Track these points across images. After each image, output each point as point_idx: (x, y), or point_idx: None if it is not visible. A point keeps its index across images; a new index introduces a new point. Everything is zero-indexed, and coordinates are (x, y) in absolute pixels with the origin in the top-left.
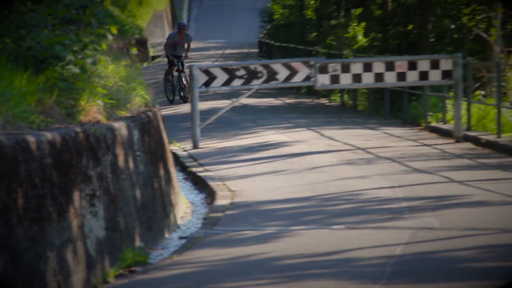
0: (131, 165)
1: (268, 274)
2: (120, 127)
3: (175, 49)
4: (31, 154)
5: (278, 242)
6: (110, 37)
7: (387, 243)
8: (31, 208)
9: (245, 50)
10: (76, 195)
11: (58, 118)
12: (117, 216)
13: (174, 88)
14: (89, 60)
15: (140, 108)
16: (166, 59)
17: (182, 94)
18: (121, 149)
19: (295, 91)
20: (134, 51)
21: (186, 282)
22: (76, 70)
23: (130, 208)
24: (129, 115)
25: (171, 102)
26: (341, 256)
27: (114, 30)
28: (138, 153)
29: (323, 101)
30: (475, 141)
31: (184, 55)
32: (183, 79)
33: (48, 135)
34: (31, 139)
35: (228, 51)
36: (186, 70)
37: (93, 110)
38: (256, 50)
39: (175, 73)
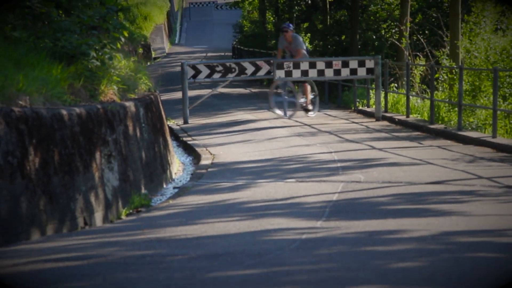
0: (138, 133)
1: (239, 213)
2: (130, 105)
3: (291, 55)
4: (64, 123)
5: (246, 190)
6: (122, 39)
7: (326, 192)
8: (64, 163)
9: (222, 53)
10: (97, 154)
11: (84, 98)
12: (127, 170)
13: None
14: (107, 56)
15: (145, 92)
16: (166, 59)
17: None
18: (131, 122)
19: (259, 83)
20: (140, 50)
21: (178, 218)
22: (98, 63)
23: (137, 165)
24: (136, 97)
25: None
26: (293, 201)
27: (125, 33)
28: (143, 125)
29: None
30: (390, 120)
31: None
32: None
33: (77, 110)
34: (64, 112)
35: (209, 54)
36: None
37: (110, 92)
38: (231, 54)
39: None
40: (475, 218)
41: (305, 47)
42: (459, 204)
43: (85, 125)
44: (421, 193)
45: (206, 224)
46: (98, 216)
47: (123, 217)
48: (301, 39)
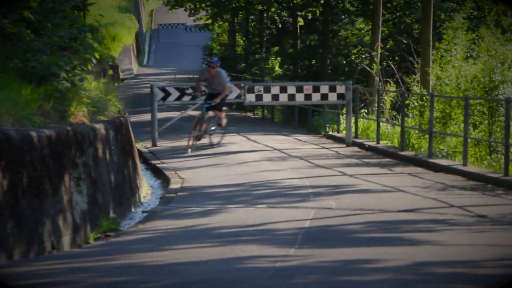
0: (108, 156)
1: (210, 239)
2: (100, 127)
3: (210, 86)
4: (33, 145)
5: (217, 216)
6: (94, 61)
7: (298, 218)
8: (33, 185)
9: (191, 76)
10: (66, 177)
11: (54, 120)
12: (96, 194)
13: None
14: (77, 77)
15: (114, 115)
16: (134, 80)
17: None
18: (101, 144)
19: (228, 106)
20: (110, 72)
21: (148, 244)
22: (68, 84)
23: (106, 188)
24: (106, 119)
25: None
26: (264, 227)
27: (97, 55)
28: (113, 147)
29: (249, 114)
30: (361, 146)
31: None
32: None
33: (46, 132)
34: (33, 134)
35: (178, 76)
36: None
37: (80, 114)
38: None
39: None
40: (449, 248)
41: (228, 80)
42: (432, 233)
43: (55, 147)
44: (394, 221)
45: (178, 250)
46: (66, 240)
47: (91, 241)
48: (225, 74)
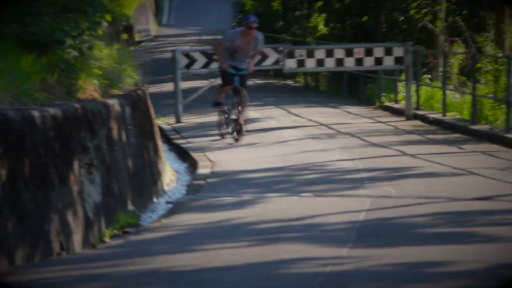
0: (124, 137)
1: (247, 237)
2: (114, 103)
3: (234, 56)
4: (36, 127)
5: (254, 207)
6: (104, 23)
7: (351, 209)
8: (37, 175)
9: (220, 37)
10: (75, 164)
11: (59, 96)
12: (111, 182)
13: (228, 117)
14: (86, 45)
15: (130, 87)
16: (152, 43)
17: (234, 128)
18: (115, 123)
19: (264, 73)
20: (124, 36)
21: (174, 243)
22: (75, 53)
23: (123, 175)
24: (121, 93)
25: (222, 137)
26: (311, 221)
27: (108, 17)
28: (129, 127)
29: (289, 82)
30: (424, 119)
31: (246, 66)
32: (239, 105)
33: (51, 111)
34: (36, 114)
35: (204, 37)
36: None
37: (90, 88)
38: None
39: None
40: None
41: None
42: None
43: (61, 129)
44: (466, 212)
45: (209, 251)
46: (77, 238)
47: (107, 239)
48: (263, 37)
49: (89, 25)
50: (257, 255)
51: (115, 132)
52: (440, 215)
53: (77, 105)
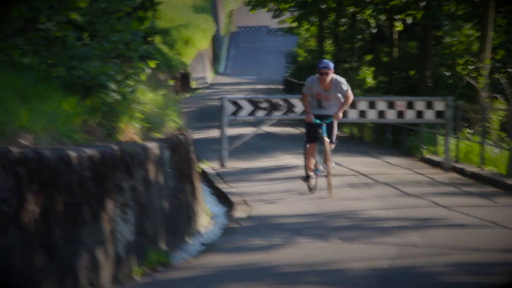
0: (161, 179)
1: (269, 278)
2: (153, 147)
3: (320, 106)
4: (71, 166)
5: (281, 251)
6: (148, 70)
7: (376, 257)
8: (69, 213)
9: (273, 86)
10: (110, 204)
11: (100, 137)
12: (145, 223)
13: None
14: (129, 89)
15: (173, 131)
16: (207, 91)
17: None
18: (153, 166)
19: None
20: (171, 82)
21: (198, 283)
22: (118, 97)
23: (157, 216)
24: (162, 137)
25: (310, 191)
26: (335, 267)
27: (152, 64)
28: (168, 170)
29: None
30: (462, 172)
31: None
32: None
33: (88, 151)
34: (72, 154)
35: (258, 86)
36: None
37: (131, 131)
38: (282, 87)
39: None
40: None
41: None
42: None
43: (97, 169)
44: (488, 263)
45: None
46: (106, 275)
47: (136, 277)
48: (344, 80)
49: (133, 71)
50: None
51: (152, 174)
52: (462, 265)
53: (115, 147)
